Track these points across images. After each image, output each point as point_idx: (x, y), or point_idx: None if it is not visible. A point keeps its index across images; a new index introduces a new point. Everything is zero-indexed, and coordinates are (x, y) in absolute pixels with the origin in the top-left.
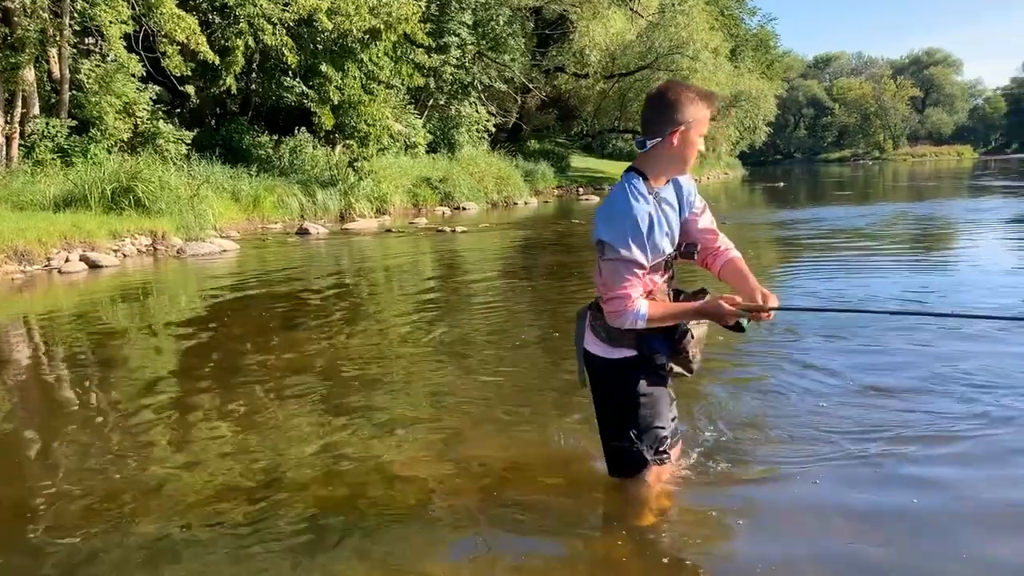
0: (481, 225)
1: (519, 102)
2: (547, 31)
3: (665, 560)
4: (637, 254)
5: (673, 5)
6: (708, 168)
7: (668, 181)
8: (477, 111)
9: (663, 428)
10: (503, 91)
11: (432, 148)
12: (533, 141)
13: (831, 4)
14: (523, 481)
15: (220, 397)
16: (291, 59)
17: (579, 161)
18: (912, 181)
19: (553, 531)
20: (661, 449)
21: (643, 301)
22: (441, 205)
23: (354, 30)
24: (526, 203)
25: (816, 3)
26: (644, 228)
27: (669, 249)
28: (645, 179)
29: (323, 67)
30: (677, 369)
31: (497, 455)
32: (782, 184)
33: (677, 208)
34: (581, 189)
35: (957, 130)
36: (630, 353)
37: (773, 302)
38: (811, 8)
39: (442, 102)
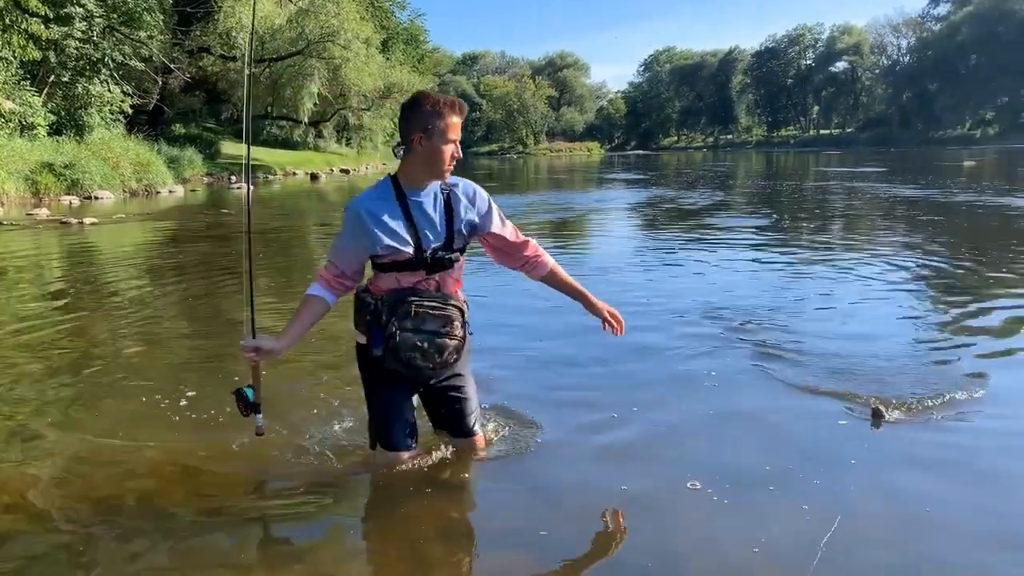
0: (116, 216)
1: (160, 83)
2: (189, 8)
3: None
4: (334, 257)
5: None
6: (366, 158)
7: (429, 185)
8: (110, 90)
9: (383, 419)
10: (140, 70)
11: (56, 130)
12: (178, 125)
13: (476, 3)
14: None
15: None
16: None
17: (231, 147)
18: (551, 174)
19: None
20: (388, 436)
21: (315, 287)
22: (68, 194)
23: None
24: (171, 191)
25: (462, 1)
26: (352, 229)
27: (408, 249)
28: (396, 184)
29: None
30: (393, 367)
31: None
32: None
33: (440, 213)
34: (233, 177)
35: (587, 128)
36: (362, 340)
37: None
38: (457, 6)
39: (66, 79)
